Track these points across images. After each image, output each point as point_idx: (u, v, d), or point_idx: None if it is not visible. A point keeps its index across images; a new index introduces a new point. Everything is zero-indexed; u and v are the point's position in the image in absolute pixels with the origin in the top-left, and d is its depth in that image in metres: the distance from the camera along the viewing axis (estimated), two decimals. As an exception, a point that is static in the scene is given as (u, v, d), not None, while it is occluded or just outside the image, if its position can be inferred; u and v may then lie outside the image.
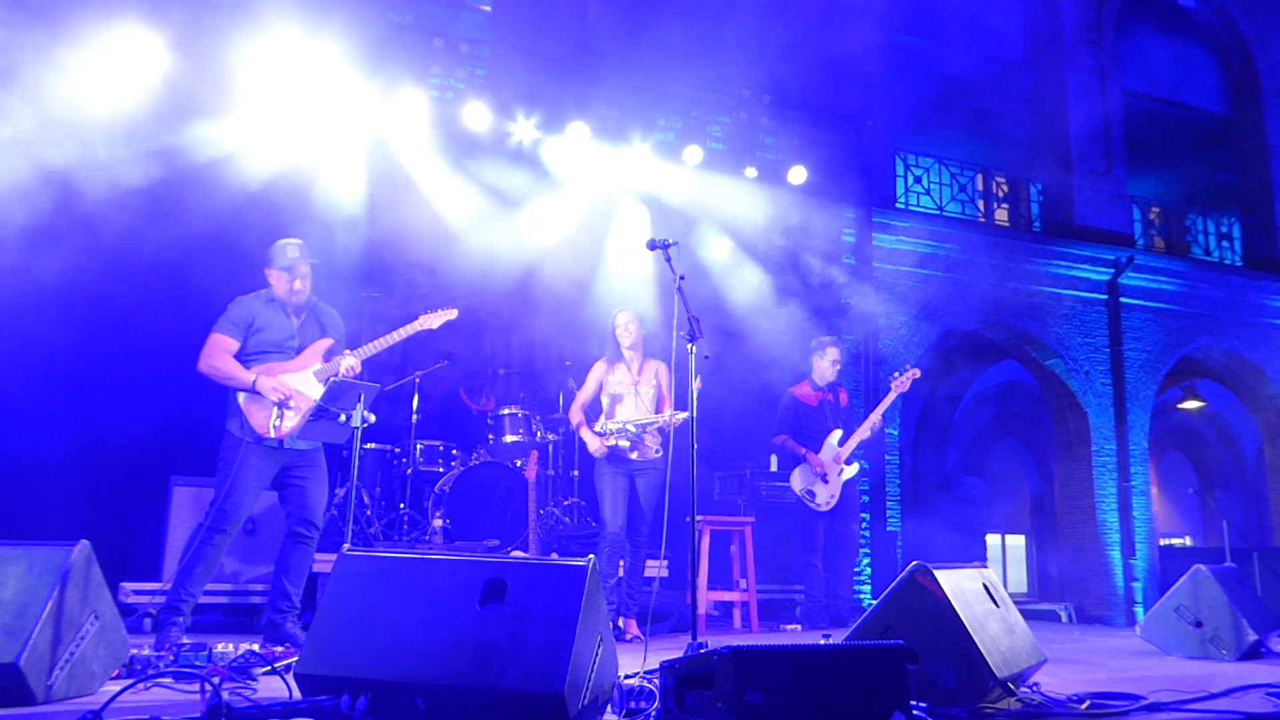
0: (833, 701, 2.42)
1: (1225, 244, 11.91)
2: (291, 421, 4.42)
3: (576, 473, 7.18)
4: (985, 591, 3.40)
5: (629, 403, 5.50)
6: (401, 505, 6.59)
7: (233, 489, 4.33)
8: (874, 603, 3.34)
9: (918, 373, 6.74)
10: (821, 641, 3.04)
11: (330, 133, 6.87)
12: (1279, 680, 3.71)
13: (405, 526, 6.50)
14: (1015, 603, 3.67)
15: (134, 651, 3.44)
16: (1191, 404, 12.87)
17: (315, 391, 4.51)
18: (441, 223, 7.36)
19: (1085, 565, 10.03)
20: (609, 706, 2.80)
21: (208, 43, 6.39)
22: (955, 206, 10.26)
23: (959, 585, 3.21)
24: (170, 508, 5.86)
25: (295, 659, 2.85)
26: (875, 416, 6.63)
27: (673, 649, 3.61)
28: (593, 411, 5.62)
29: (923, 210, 9.87)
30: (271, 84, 6.49)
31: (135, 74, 6.19)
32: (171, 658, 3.53)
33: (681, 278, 4.22)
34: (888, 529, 8.60)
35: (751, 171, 8.19)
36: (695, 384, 4.14)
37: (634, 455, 5.39)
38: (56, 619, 2.93)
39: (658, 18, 8.15)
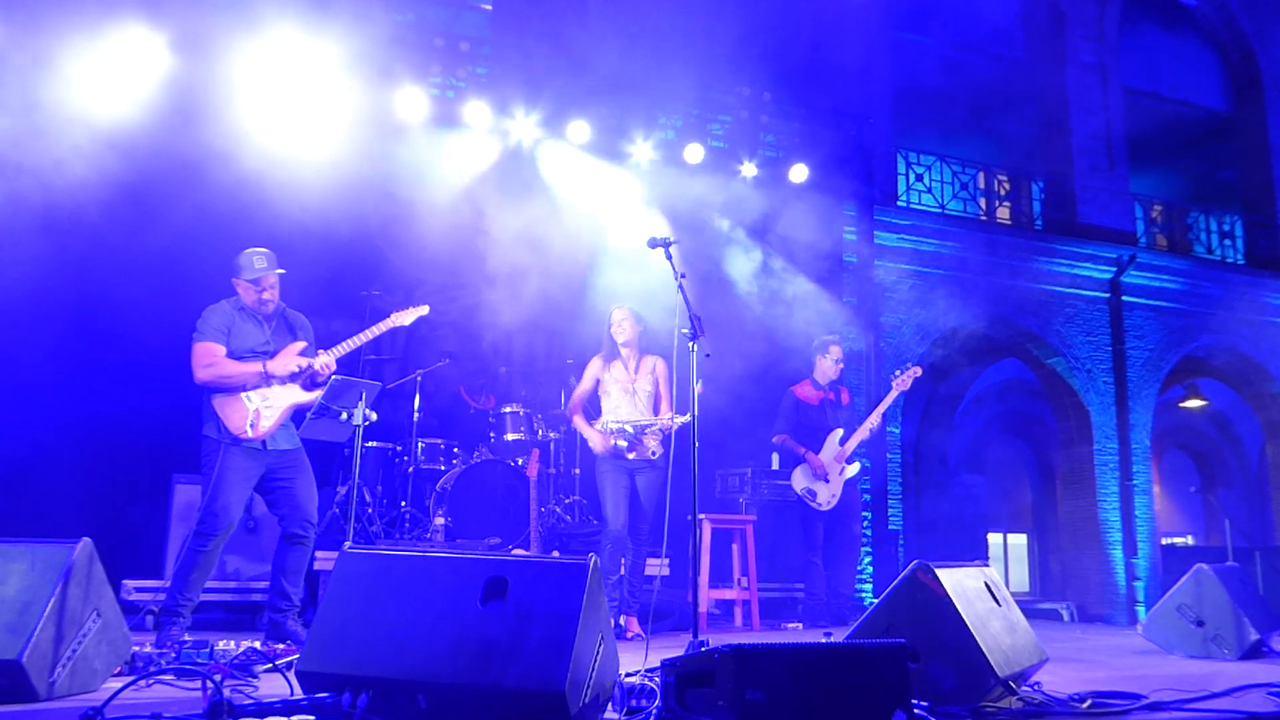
0: (834, 700, 2.42)
1: (1227, 242, 11.90)
2: (268, 422, 4.42)
3: (578, 471, 7.18)
4: (987, 590, 3.40)
5: (625, 401, 5.49)
6: (403, 503, 6.59)
7: (217, 492, 4.30)
8: (875, 601, 3.34)
9: (919, 371, 6.73)
10: (823, 640, 3.04)
11: (331, 131, 6.86)
12: (1281, 679, 3.71)
13: (407, 524, 6.50)
14: (1017, 601, 3.66)
15: (136, 649, 3.45)
16: (1194, 402, 12.86)
17: (292, 393, 4.52)
18: (442, 221, 7.35)
19: (1087, 564, 10.03)
20: (610, 704, 2.80)
21: (208, 42, 6.39)
22: (957, 204, 10.26)
23: (960, 584, 3.21)
24: (172, 506, 5.88)
25: (297, 656, 2.85)
26: (876, 415, 6.63)
27: (674, 647, 3.61)
28: (592, 409, 5.62)
29: (924, 208, 9.87)
30: (272, 83, 6.49)
31: (136, 72, 6.19)
32: (173, 655, 3.53)
33: (682, 276, 4.22)
34: (889, 527, 8.60)
35: (752, 169, 8.19)
36: (697, 387, 4.14)
37: (632, 455, 5.38)
38: (59, 616, 2.94)
39: (658, 16, 8.14)
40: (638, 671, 3.08)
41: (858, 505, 6.77)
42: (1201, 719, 2.98)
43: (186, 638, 4.07)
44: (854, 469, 6.53)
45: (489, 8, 8.90)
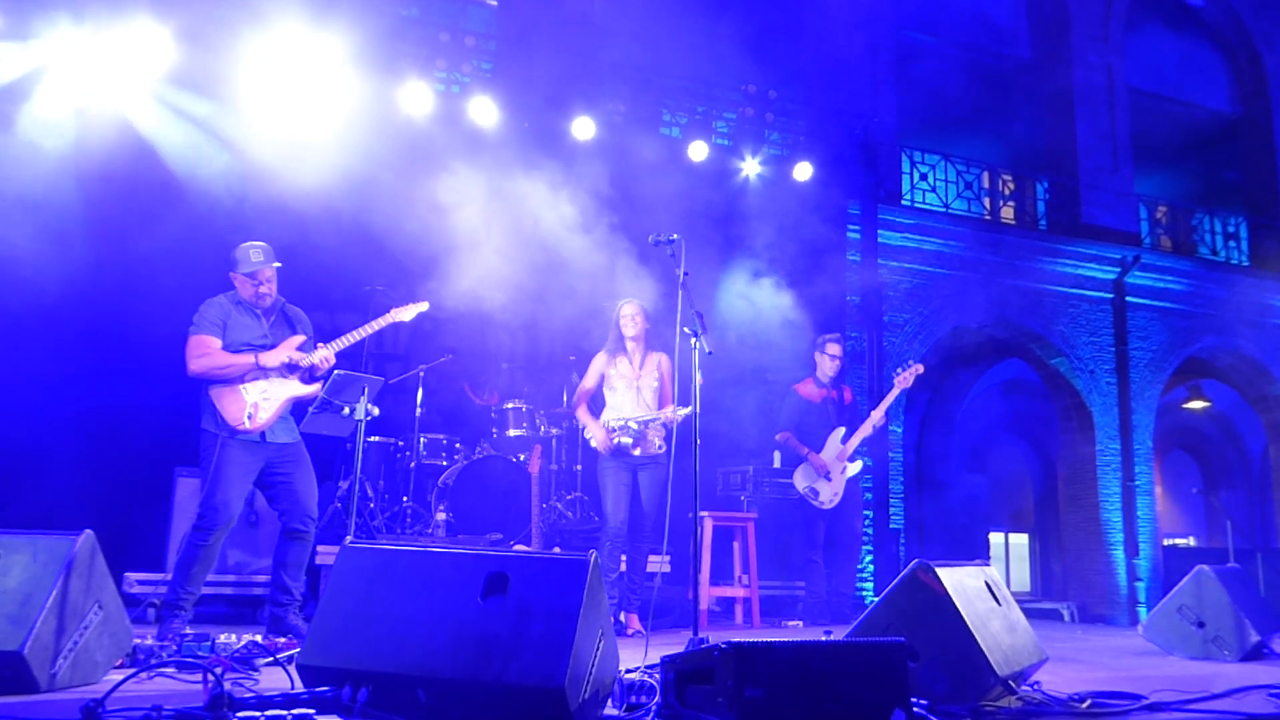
0: (833, 698, 2.42)
1: (1232, 243, 11.87)
2: (266, 414, 4.41)
3: (580, 467, 7.18)
4: (987, 589, 3.40)
5: (630, 397, 5.49)
6: (405, 499, 6.60)
7: (216, 487, 4.29)
8: (876, 600, 3.34)
9: (921, 368, 6.73)
10: (823, 638, 3.04)
11: (336, 126, 6.87)
12: (1281, 681, 3.70)
13: (408, 520, 6.51)
14: (1018, 601, 3.66)
15: (137, 641, 3.45)
16: (1197, 404, 12.84)
17: (290, 386, 4.52)
18: (446, 217, 7.35)
19: (1088, 564, 10.02)
20: (610, 701, 2.80)
21: (214, 36, 6.40)
22: (961, 204, 10.24)
23: (961, 583, 3.21)
24: (174, 498, 5.90)
25: (298, 650, 2.85)
26: (878, 412, 6.62)
27: (674, 644, 3.61)
28: (595, 405, 5.62)
29: (928, 208, 9.86)
30: (277, 77, 6.49)
31: (143, 65, 6.20)
32: (175, 648, 3.54)
33: (685, 273, 4.21)
34: (891, 526, 8.60)
35: (756, 167, 8.18)
36: (698, 379, 4.14)
37: (637, 451, 5.39)
38: (60, 608, 2.94)
39: (664, 12, 8.13)
40: (638, 668, 3.09)
41: (859, 504, 6.77)
42: (1201, 720, 2.98)
43: (188, 631, 4.08)
44: (856, 467, 6.53)
45: (494, 3, 8.90)
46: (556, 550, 6.29)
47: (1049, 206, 10.85)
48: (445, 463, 6.75)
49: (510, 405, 6.96)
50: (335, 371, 4.62)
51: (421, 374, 6.89)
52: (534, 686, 2.41)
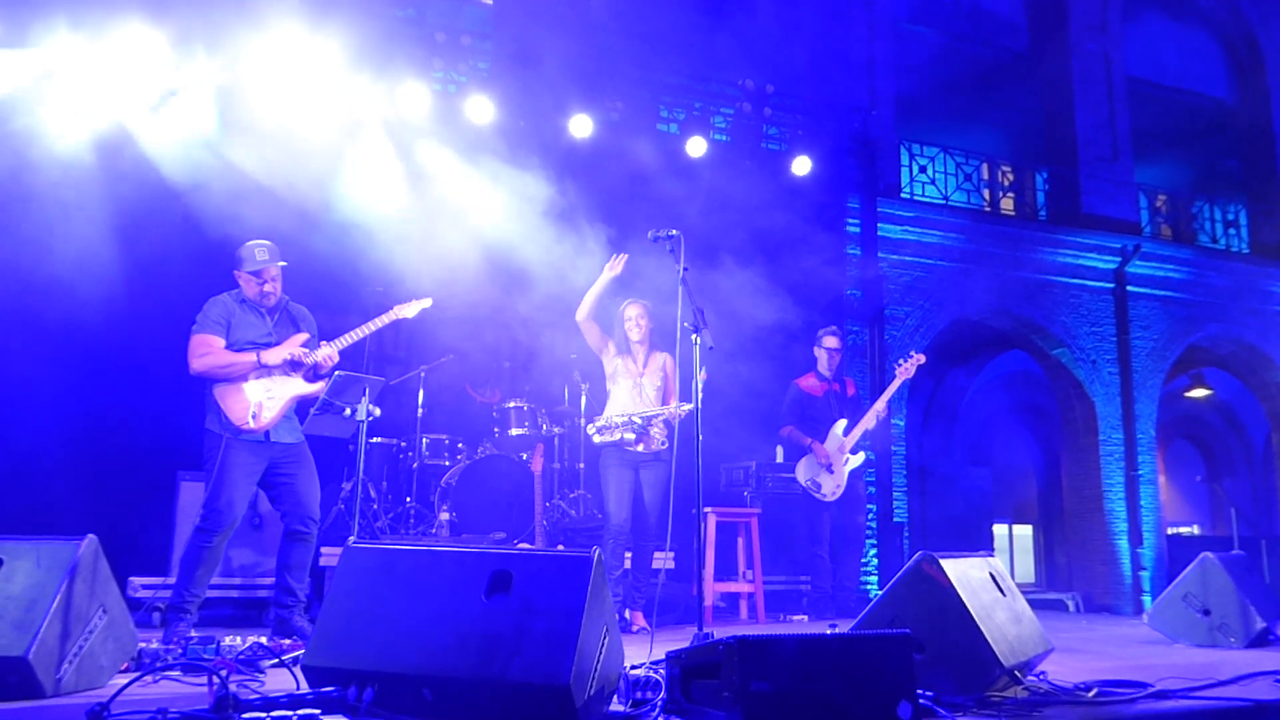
0: (839, 691, 2.42)
1: (1232, 231, 11.85)
2: (270, 413, 4.40)
3: (582, 465, 7.18)
4: (992, 580, 3.40)
5: (632, 394, 5.49)
6: (408, 499, 6.60)
7: (220, 488, 4.27)
8: (880, 593, 3.33)
9: (922, 358, 6.73)
10: (828, 632, 3.04)
11: (334, 127, 6.87)
12: (1287, 667, 3.70)
13: (412, 520, 6.51)
14: (1023, 592, 3.66)
15: (142, 645, 3.45)
16: (1199, 392, 12.83)
17: (294, 385, 4.51)
18: (445, 216, 7.35)
19: (1092, 554, 10.02)
20: (615, 697, 2.80)
21: (210, 40, 6.40)
22: (961, 196, 10.23)
23: (965, 574, 3.20)
24: (178, 502, 5.89)
25: (303, 651, 2.86)
26: (881, 404, 6.62)
27: (679, 640, 3.61)
28: (598, 403, 5.62)
29: (928, 200, 9.84)
30: (275, 79, 6.49)
31: (140, 69, 6.20)
32: (179, 651, 3.54)
33: (685, 269, 4.21)
34: (894, 519, 8.60)
35: (755, 162, 8.17)
36: (701, 375, 4.14)
37: (639, 448, 5.39)
38: (65, 613, 2.94)
39: (660, 8, 8.12)
40: (643, 664, 3.08)
41: (862, 497, 6.76)
42: (1208, 707, 2.97)
43: (193, 633, 4.08)
44: (858, 460, 6.53)
45: (490, 2, 8.88)
46: (560, 548, 6.30)
47: (1049, 197, 10.84)
48: (448, 463, 6.75)
49: (512, 404, 6.96)
50: (336, 372, 4.62)
51: (422, 374, 6.89)
52: (539, 684, 2.41)
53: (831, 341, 6.70)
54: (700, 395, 4.10)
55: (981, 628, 3.00)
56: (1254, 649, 4.83)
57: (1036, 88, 11.33)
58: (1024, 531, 14.79)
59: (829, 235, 8.67)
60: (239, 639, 3.64)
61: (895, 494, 8.72)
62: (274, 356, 4.45)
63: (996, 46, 11.39)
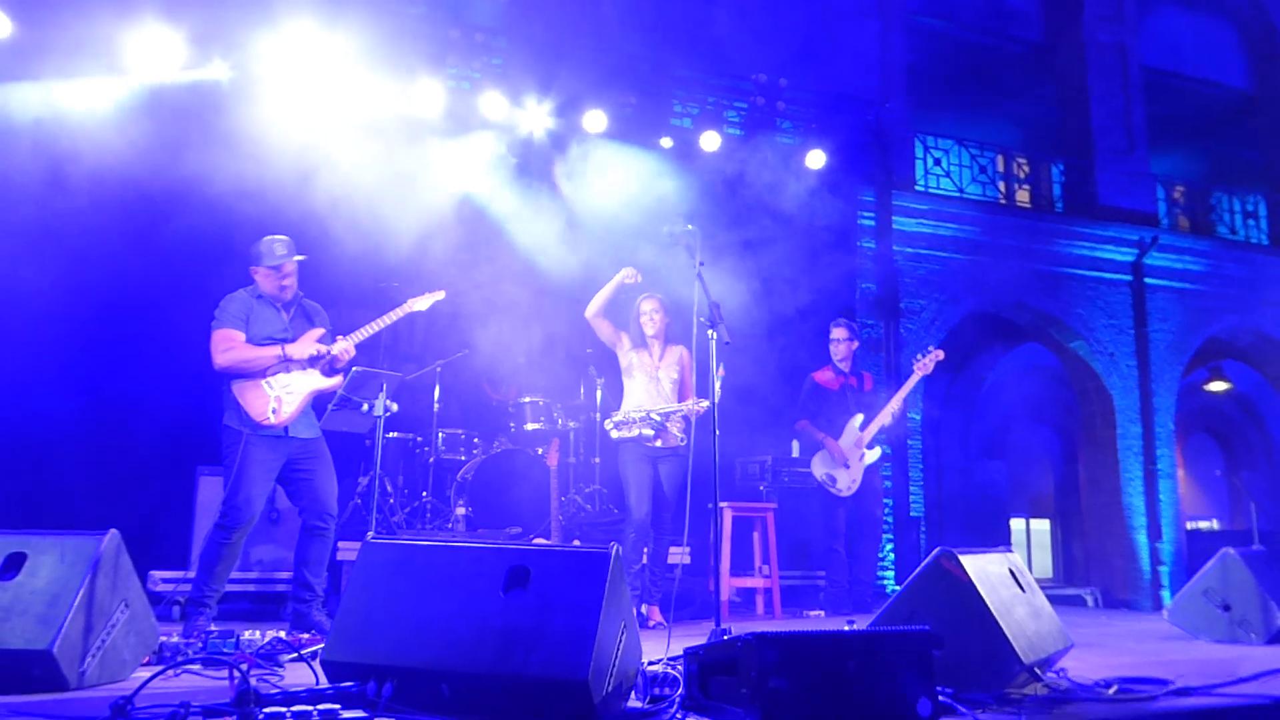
0: (857, 688, 2.41)
1: (1251, 222, 11.74)
2: (290, 408, 4.43)
3: (598, 460, 7.18)
4: (1011, 576, 3.38)
5: (650, 389, 5.49)
6: (424, 494, 6.62)
7: (239, 484, 4.29)
8: (898, 588, 3.32)
9: (941, 354, 6.69)
10: (845, 628, 3.03)
11: (349, 124, 6.89)
12: (1309, 663, 3.67)
13: (428, 515, 6.53)
14: (1041, 587, 3.64)
15: (163, 639, 3.48)
16: (1218, 385, 12.73)
17: (312, 379, 4.54)
18: (461, 212, 7.36)
19: (1111, 549, 9.96)
20: (633, 693, 2.80)
21: (226, 38, 6.43)
22: (976, 188, 10.17)
23: (984, 570, 3.19)
24: (197, 497, 5.94)
25: (321, 646, 2.87)
26: (897, 400, 6.59)
27: (696, 636, 3.61)
28: (614, 399, 5.61)
29: (943, 193, 9.79)
30: (290, 76, 6.52)
31: (157, 67, 6.24)
32: (200, 645, 3.57)
33: (701, 264, 4.20)
34: (911, 514, 8.57)
35: (769, 156, 8.14)
36: (719, 373, 4.13)
37: (658, 443, 5.39)
38: (88, 607, 2.97)
39: (673, 3, 8.11)
40: (660, 660, 3.09)
41: (879, 491, 6.74)
42: (1229, 704, 2.95)
43: (213, 628, 4.11)
44: (874, 455, 6.50)
45: (503, -3, 8.88)
46: (577, 543, 6.31)
47: (1064, 189, 10.76)
48: (464, 457, 6.77)
49: (527, 399, 6.96)
50: (353, 368, 4.64)
51: (438, 370, 6.91)
52: (557, 679, 2.42)
53: (839, 333, 6.68)
54: (719, 393, 4.09)
55: (1001, 624, 2.98)
56: (1275, 645, 4.79)
57: (1051, 79, 11.25)
58: (1041, 526, 14.72)
59: (843, 228, 8.63)
60: (258, 633, 3.66)
61: (911, 488, 8.70)
62: (299, 350, 4.48)
63: (1011, 38, 11.31)
